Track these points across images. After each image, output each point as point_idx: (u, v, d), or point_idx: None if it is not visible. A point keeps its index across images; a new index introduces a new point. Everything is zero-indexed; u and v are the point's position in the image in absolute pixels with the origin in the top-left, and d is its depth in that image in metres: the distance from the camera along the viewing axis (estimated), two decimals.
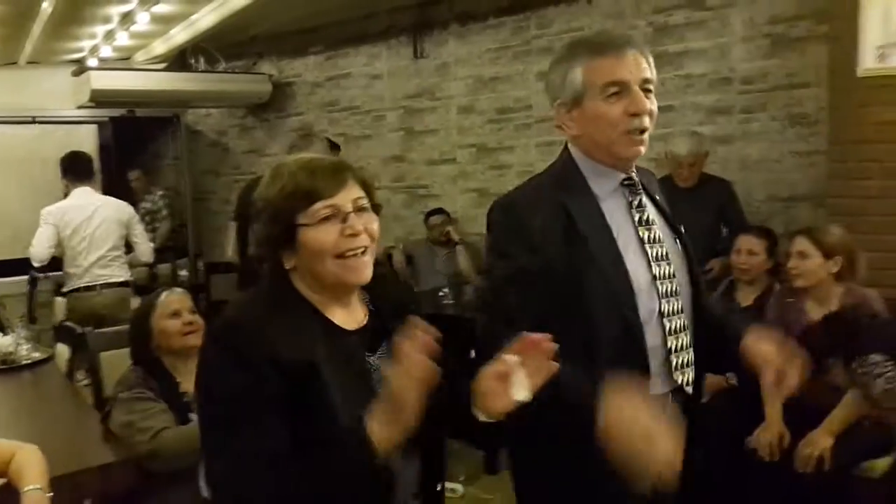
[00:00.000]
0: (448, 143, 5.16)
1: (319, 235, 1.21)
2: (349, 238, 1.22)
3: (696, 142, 3.57)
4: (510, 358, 1.14)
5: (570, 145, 1.55)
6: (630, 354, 1.44)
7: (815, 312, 2.59)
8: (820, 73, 3.46)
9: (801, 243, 2.63)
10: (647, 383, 1.43)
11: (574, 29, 4.44)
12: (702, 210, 3.38)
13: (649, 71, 1.46)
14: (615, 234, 1.47)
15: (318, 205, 1.22)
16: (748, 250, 2.98)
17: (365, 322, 1.32)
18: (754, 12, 3.83)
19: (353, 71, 5.58)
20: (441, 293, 4.13)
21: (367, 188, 1.29)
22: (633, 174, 1.54)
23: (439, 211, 4.89)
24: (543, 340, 1.14)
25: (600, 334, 1.42)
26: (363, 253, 1.24)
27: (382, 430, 1.11)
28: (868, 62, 2.90)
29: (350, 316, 1.30)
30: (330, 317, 1.27)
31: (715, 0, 3.96)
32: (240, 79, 6.00)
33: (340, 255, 1.22)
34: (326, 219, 1.22)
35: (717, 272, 3.38)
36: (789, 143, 3.76)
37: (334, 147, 4.28)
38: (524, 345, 1.15)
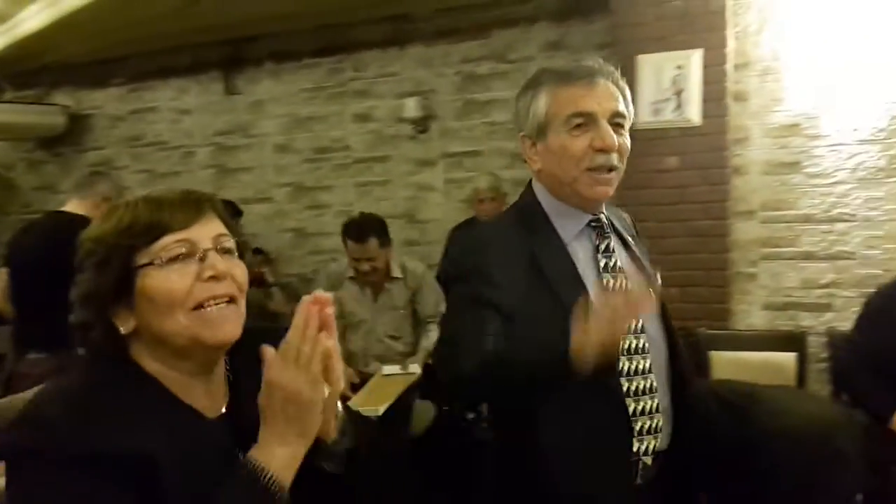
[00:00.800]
0: (264, 181, 5.05)
1: (168, 280, 0.92)
2: (209, 283, 0.93)
3: (494, 178, 3.82)
4: None
5: (533, 182, 1.42)
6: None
7: None
8: None
9: None
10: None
11: (389, 73, 4.58)
12: None
13: (622, 104, 1.34)
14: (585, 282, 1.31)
15: (167, 239, 0.94)
16: None
17: (227, 402, 1.03)
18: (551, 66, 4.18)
19: (160, 104, 5.31)
20: None
21: (230, 226, 1.01)
22: (602, 215, 1.39)
23: (255, 251, 4.76)
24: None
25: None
26: (229, 302, 0.95)
27: (279, 453, 0.89)
28: (644, 116, 3.27)
29: (214, 398, 1.01)
30: (186, 400, 0.97)
31: (516, 54, 4.26)
32: (29, 109, 5.49)
33: (197, 307, 0.93)
34: (177, 258, 0.93)
35: None
36: None
37: (237, 213, 4.03)
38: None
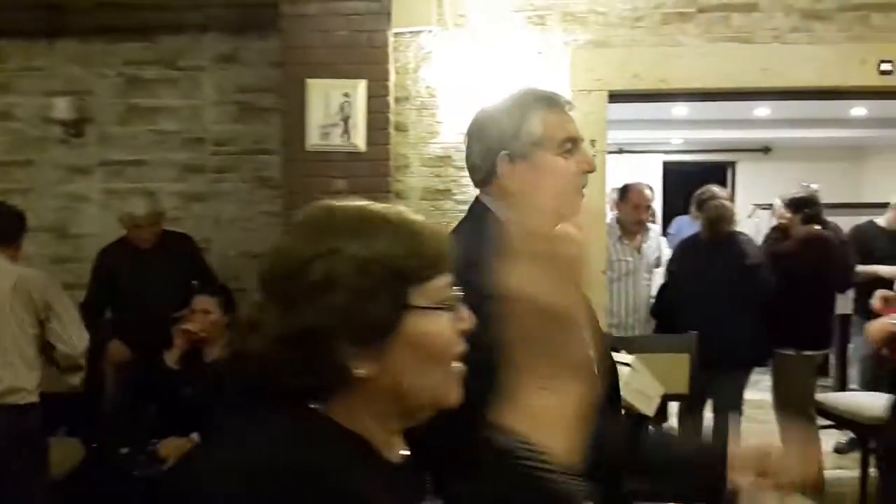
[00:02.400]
0: None
1: (442, 327, 0.79)
2: (460, 337, 0.81)
3: (153, 201, 3.60)
4: None
5: (489, 203, 1.39)
6: None
7: None
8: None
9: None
10: None
11: (35, 68, 4.06)
12: (169, 267, 3.42)
13: None
14: None
15: (443, 280, 0.80)
16: (203, 310, 3.09)
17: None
18: (223, 78, 4.08)
19: None
20: None
21: None
22: None
23: None
24: None
25: None
26: None
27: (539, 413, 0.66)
28: (314, 138, 3.36)
29: (393, 448, 0.86)
30: (384, 457, 0.82)
31: (187, 62, 4.08)
32: None
33: (450, 363, 0.81)
34: (448, 304, 0.80)
35: None
36: (258, 204, 4.08)
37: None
38: None
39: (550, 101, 1.40)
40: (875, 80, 3.52)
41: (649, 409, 2.83)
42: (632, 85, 3.58)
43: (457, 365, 0.82)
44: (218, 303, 3.12)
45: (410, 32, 3.59)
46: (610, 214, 4.40)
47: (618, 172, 9.39)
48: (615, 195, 4.53)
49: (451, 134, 3.63)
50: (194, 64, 4.08)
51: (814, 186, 5.97)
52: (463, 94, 3.58)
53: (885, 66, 3.50)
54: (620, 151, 9.30)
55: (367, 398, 0.79)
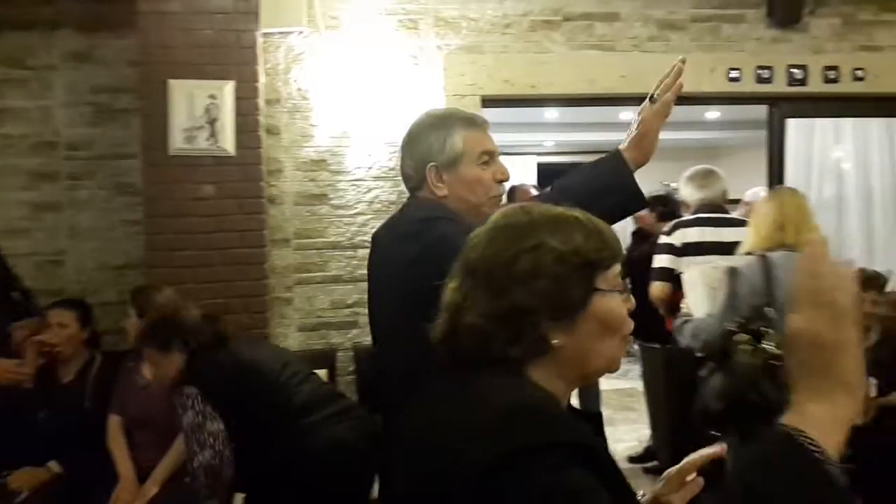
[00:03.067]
0: None
1: (620, 307, 1.00)
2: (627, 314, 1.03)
3: None
4: None
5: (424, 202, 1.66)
6: None
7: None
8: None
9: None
10: None
11: None
12: None
13: None
14: None
15: (617, 268, 1.02)
16: (59, 323, 2.88)
17: None
18: (76, 78, 3.80)
19: None
20: None
21: None
22: None
23: None
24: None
25: None
26: None
27: (814, 412, 0.81)
28: (177, 142, 3.20)
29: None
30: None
31: (36, 60, 3.77)
32: None
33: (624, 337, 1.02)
34: (622, 289, 1.01)
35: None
36: (118, 212, 3.82)
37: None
38: None
39: (470, 121, 1.70)
40: (724, 87, 3.78)
41: None
42: (503, 90, 3.66)
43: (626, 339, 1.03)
44: (76, 316, 2.91)
45: (280, 33, 3.50)
46: None
47: None
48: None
49: (325, 137, 3.56)
50: (44, 63, 3.77)
51: (674, 185, 6.31)
52: (337, 96, 3.53)
53: (733, 74, 3.76)
54: None
55: (558, 363, 0.97)
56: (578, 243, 0.97)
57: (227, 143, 3.26)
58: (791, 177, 4.09)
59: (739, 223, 3.28)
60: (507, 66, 3.65)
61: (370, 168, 3.60)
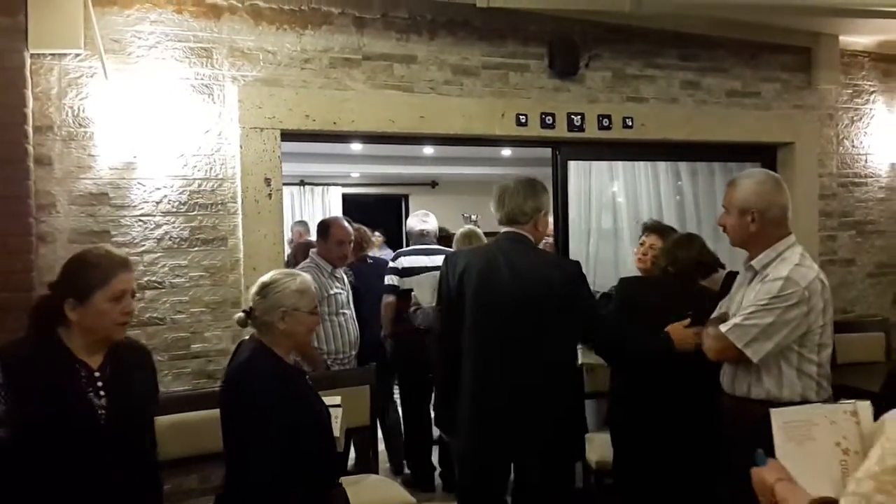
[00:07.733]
0: None
1: None
2: None
3: None
4: None
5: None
6: None
7: None
8: None
9: None
10: None
11: None
12: None
13: None
14: None
15: None
16: None
17: None
18: None
19: None
20: None
21: None
22: None
23: None
24: None
25: None
26: None
27: None
28: None
29: None
30: None
31: None
32: None
33: None
34: None
35: None
36: None
37: None
38: None
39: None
40: (513, 131, 4.04)
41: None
42: (304, 125, 3.61)
43: None
44: None
45: (53, 55, 3.17)
46: (312, 252, 4.46)
47: (301, 204, 9.59)
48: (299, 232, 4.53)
49: (106, 169, 3.27)
50: None
51: (474, 217, 6.57)
52: (120, 125, 3.26)
53: (521, 118, 4.03)
54: (302, 184, 9.49)
55: None
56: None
57: None
58: (574, 210, 4.50)
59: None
60: (308, 101, 3.61)
61: (158, 203, 3.36)
